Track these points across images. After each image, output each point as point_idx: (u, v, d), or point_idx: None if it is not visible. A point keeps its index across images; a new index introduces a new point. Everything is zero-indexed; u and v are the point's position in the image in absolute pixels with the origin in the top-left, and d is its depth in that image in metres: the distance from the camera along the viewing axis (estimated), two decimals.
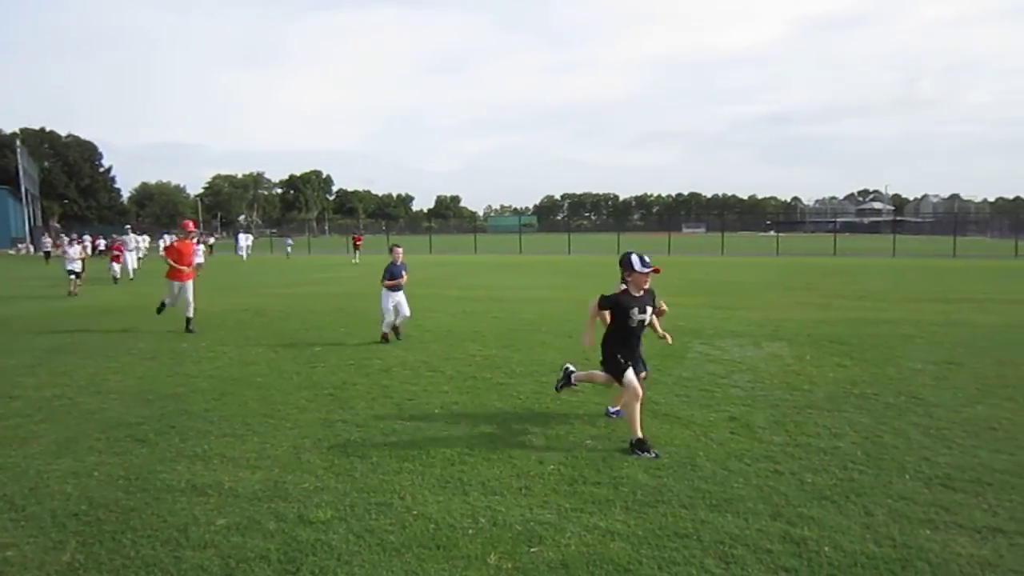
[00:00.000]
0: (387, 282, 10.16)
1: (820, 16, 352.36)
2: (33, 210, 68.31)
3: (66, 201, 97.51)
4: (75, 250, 19.69)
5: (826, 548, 3.72)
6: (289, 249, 46.73)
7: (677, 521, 4.07)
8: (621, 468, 4.94)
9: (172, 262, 11.78)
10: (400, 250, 10.42)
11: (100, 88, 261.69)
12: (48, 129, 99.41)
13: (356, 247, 38.67)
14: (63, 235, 40.70)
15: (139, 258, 29.41)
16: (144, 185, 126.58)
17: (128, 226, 27.90)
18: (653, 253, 5.96)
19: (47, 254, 41.03)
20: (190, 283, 11.76)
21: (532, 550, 3.74)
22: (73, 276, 18.96)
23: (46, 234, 47.63)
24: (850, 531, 3.93)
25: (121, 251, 24.69)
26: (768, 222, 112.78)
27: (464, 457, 5.19)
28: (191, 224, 12.91)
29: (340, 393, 7.17)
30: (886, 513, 4.16)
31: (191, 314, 11.66)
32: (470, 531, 3.97)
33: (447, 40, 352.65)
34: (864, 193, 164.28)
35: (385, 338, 10.18)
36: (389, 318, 10.13)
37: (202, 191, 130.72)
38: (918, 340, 10.05)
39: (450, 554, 3.70)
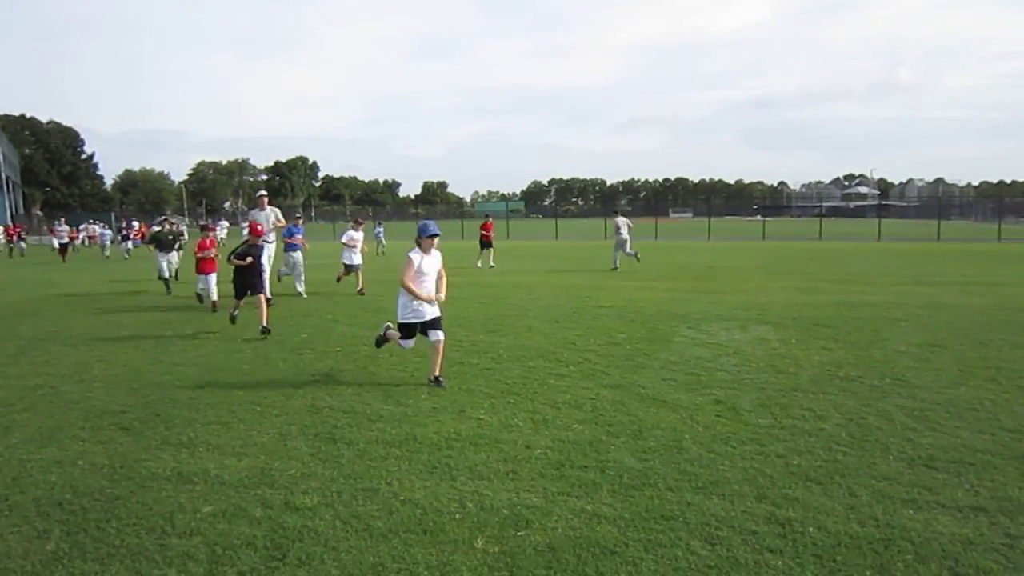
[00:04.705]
0: None
1: (803, 0, 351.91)
2: (14, 198, 67.55)
3: (48, 189, 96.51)
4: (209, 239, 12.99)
5: (811, 529, 3.76)
6: (383, 240, 31.17)
7: (663, 504, 4.10)
8: (608, 452, 4.95)
9: None
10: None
11: (82, 74, 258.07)
12: (28, 115, 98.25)
13: (487, 242, 21.72)
14: (175, 218, 27.12)
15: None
16: (128, 172, 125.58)
17: (263, 192, 13.90)
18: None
19: (64, 247, 29.79)
20: None
21: (519, 534, 3.74)
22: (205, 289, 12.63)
23: (61, 220, 34.14)
24: (834, 512, 3.96)
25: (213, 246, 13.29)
26: (755, 206, 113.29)
27: (451, 442, 5.19)
28: None
29: (327, 380, 7.15)
30: (870, 494, 4.20)
31: None
32: (457, 516, 3.98)
33: (432, 25, 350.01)
34: (850, 177, 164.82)
35: None
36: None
37: (186, 177, 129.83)
38: (902, 323, 10.13)
39: (437, 539, 3.70)
